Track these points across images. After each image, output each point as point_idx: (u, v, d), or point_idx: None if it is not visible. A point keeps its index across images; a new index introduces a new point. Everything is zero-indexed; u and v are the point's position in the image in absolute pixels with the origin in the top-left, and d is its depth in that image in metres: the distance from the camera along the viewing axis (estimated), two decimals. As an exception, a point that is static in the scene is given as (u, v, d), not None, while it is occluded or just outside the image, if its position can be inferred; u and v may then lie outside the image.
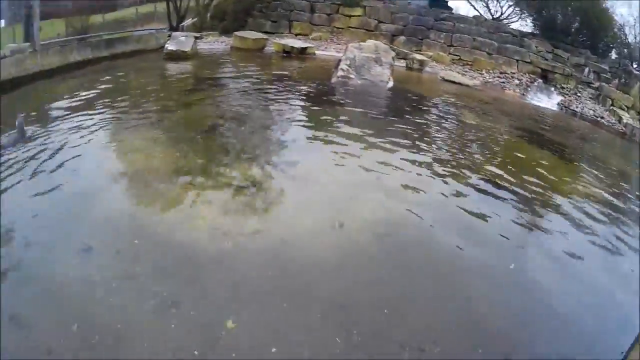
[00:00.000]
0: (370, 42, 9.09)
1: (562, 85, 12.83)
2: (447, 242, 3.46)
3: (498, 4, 15.15)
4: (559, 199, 4.75)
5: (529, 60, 13.05)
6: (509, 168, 5.34)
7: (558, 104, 11.68)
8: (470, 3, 15.42)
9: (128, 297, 2.50)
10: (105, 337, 2.20)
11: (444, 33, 13.23)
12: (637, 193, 5.76)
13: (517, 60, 13.00)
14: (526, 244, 3.75)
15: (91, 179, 3.75)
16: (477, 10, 14.97)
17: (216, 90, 6.98)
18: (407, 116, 6.87)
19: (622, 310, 3.08)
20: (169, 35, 10.24)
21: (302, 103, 6.70)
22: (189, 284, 2.65)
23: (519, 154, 6.05)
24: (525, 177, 5.13)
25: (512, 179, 4.96)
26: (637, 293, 3.23)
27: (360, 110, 6.73)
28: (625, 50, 16.65)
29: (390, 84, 8.30)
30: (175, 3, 12.59)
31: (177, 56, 9.06)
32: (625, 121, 11.43)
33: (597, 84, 13.19)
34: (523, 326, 2.75)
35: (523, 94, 11.54)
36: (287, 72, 8.88)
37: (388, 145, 5.29)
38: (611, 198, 5.15)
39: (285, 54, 10.97)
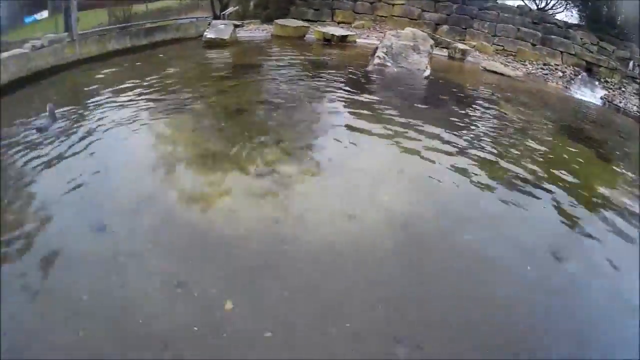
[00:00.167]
0: (408, 30, 9.27)
1: (607, 79, 12.70)
2: (465, 238, 3.63)
3: (543, -6, 14.92)
4: (592, 199, 4.86)
5: (573, 53, 12.93)
6: (544, 163, 5.45)
7: (601, 98, 11.62)
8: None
9: (135, 274, 2.80)
10: (109, 310, 2.54)
11: (488, 23, 13.21)
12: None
13: (562, 52, 12.90)
14: (557, 247, 3.76)
15: (117, 161, 4.14)
16: (522, 0, 14.78)
17: (251, 76, 7.36)
18: (442, 105, 7.08)
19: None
20: (209, 24, 10.61)
21: (335, 90, 6.99)
22: (197, 264, 2.93)
23: (555, 149, 6.18)
24: (559, 173, 5.23)
25: (544, 175, 5.06)
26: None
27: (393, 98, 6.97)
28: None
29: (427, 72, 8.48)
30: (219, -9, 12.95)
31: (215, 44, 9.40)
32: (669, 118, 11.31)
33: (642, 79, 12.99)
34: (540, 330, 2.86)
35: (566, 87, 11.52)
36: (324, 60, 9.21)
37: (419, 135, 5.48)
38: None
39: (325, 42, 11.21)
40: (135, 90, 6.09)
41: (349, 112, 6.03)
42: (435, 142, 5.37)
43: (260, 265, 2.98)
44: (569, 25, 13.72)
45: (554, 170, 5.29)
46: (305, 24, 12.20)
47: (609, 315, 3.11)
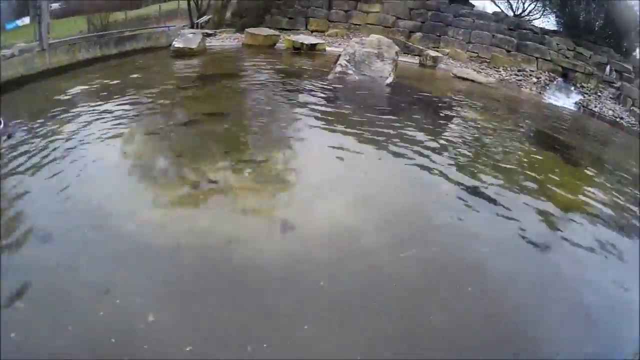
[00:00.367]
0: (374, 37, 9.10)
1: (583, 84, 12.60)
2: (402, 256, 3.37)
3: (520, 1, 14.89)
4: (552, 205, 4.60)
5: (549, 58, 12.84)
6: (506, 170, 5.22)
7: (576, 103, 11.50)
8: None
9: (67, 281, 2.71)
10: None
11: (463, 30, 13.13)
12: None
13: (537, 58, 12.80)
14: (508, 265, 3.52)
15: (68, 167, 4.01)
16: (499, 6, 14.74)
17: (209, 87, 7.15)
18: (400, 113, 6.77)
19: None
20: (179, 33, 10.44)
21: (292, 100, 6.76)
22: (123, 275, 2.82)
23: (521, 155, 5.94)
24: (521, 179, 5.01)
25: (505, 182, 4.82)
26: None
27: (349, 106, 6.72)
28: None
29: (390, 79, 8.28)
30: (196, 0, 12.83)
31: (183, 53, 9.23)
32: (646, 122, 11.18)
33: (618, 84, 12.89)
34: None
35: (540, 93, 11.40)
36: (288, 68, 9.01)
37: (368, 144, 5.23)
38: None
39: (295, 50, 11.08)
40: (97, 99, 5.95)
41: (301, 122, 5.79)
42: (385, 152, 5.11)
43: (186, 278, 2.84)
44: (545, 31, 13.65)
45: (516, 177, 5.06)
46: (276, 32, 12.08)
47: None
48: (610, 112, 11.51)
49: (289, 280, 2.91)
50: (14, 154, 4.17)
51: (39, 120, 5.00)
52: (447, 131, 6.36)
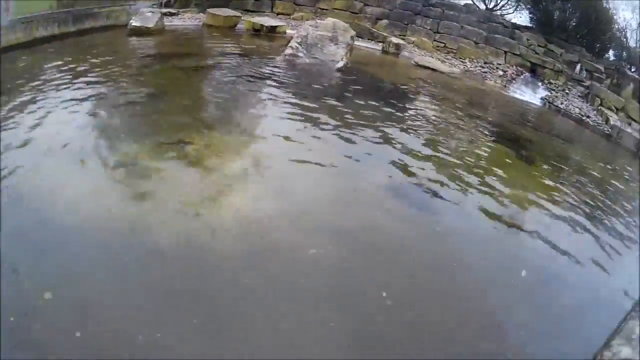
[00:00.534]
0: (329, 20, 8.58)
1: (551, 80, 12.27)
2: (310, 253, 2.90)
3: (494, -5, 14.54)
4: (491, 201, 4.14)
5: (518, 53, 12.47)
6: (448, 165, 4.70)
7: (542, 98, 11.13)
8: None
9: None
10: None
11: (431, 19, 12.64)
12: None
13: (506, 52, 12.42)
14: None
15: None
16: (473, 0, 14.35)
17: (157, 66, 6.50)
18: (342, 98, 6.18)
19: None
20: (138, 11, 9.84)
21: (233, 81, 6.12)
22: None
23: (470, 149, 5.41)
24: (465, 175, 4.49)
25: (442, 176, 4.31)
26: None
27: (287, 89, 6.13)
28: (624, 54, 16.08)
29: (341, 63, 7.74)
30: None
31: (140, 32, 8.67)
32: (612, 122, 10.88)
33: (588, 83, 12.62)
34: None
35: (505, 86, 10.99)
36: (241, 50, 8.39)
37: (302, 132, 4.67)
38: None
39: (255, 32, 10.51)
40: (49, 78, 5.24)
41: (235, 104, 5.20)
42: (315, 139, 4.52)
43: (82, 263, 2.47)
44: (516, 26, 13.31)
45: (456, 170, 4.55)
46: (237, 13, 11.42)
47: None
48: (577, 110, 11.17)
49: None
50: None
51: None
52: (391, 119, 5.75)
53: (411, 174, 4.21)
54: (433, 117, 6.36)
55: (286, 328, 2.23)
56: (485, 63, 11.77)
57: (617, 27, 15.92)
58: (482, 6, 14.28)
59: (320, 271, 2.69)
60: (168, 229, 2.76)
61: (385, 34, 11.63)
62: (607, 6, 15.15)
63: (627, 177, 6.77)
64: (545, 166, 5.70)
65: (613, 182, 6.14)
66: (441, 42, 12.41)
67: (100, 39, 8.24)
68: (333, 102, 5.83)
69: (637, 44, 16.31)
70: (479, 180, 4.44)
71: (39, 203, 2.82)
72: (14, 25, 7.12)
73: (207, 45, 8.63)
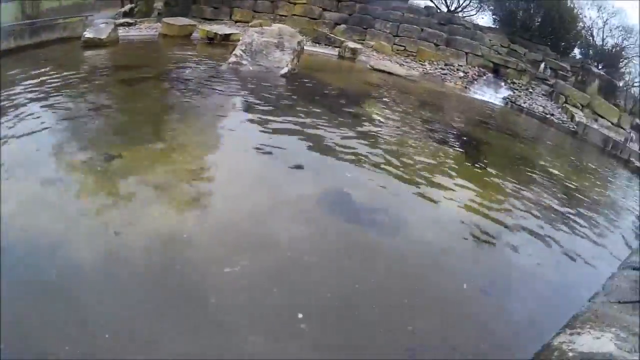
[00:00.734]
0: (275, 26, 8.24)
1: (514, 80, 12.10)
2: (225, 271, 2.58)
3: (456, -4, 14.41)
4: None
5: (480, 54, 12.30)
6: (392, 167, 4.36)
7: (504, 98, 10.93)
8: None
9: None
10: None
11: (391, 23, 12.41)
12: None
13: (467, 53, 12.23)
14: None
15: None
16: (432, 1, 14.21)
17: (100, 80, 6.08)
18: (282, 106, 5.80)
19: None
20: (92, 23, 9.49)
21: (175, 92, 5.78)
22: None
23: (413, 151, 5.03)
24: (400, 179, 4.13)
25: (378, 183, 3.92)
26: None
27: (230, 97, 5.79)
28: (591, 52, 16.09)
29: (286, 70, 7.39)
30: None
31: (93, 44, 8.32)
32: (577, 119, 10.71)
33: (552, 81, 12.48)
34: None
35: (466, 87, 10.77)
36: (190, 60, 8.00)
37: (237, 140, 4.36)
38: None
39: (209, 41, 10.21)
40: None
41: (167, 117, 4.81)
42: (244, 150, 4.08)
43: None
44: (478, 27, 13.19)
45: (396, 175, 4.17)
46: (192, 22, 11.12)
47: None
48: (541, 109, 10.99)
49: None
50: None
51: None
52: (332, 126, 5.35)
53: (343, 185, 3.83)
54: (379, 121, 6.01)
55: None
56: (445, 65, 11.55)
57: (582, 25, 15.99)
58: (444, 8, 14.11)
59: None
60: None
61: (343, 39, 11.35)
62: (572, 5, 15.20)
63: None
64: (496, 168, 5.34)
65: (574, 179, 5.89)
66: (401, 46, 12.17)
67: (54, 52, 7.84)
68: (266, 109, 5.46)
69: (603, 42, 16.39)
70: (419, 187, 4.08)
71: None
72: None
73: (155, 55, 8.27)
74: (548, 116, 10.72)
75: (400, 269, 2.87)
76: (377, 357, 2.12)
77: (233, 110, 5.33)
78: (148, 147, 3.85)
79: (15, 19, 9.90)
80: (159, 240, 2.62)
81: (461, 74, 11.19)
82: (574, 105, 11.58)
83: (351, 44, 10.49)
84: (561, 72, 12.91)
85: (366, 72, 9.38)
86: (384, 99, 7.51)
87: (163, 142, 4.03)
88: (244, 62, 7.50)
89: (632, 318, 2.26)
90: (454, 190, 4.20)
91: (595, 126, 10.84)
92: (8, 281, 2.17)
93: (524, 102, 10.90)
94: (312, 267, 2.67)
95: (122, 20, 10.90)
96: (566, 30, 14.64)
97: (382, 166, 4.34)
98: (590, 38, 16.44)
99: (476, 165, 5.28)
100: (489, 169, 5.21)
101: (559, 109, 11.42)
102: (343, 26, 12.43)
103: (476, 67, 11.87)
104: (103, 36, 8.51)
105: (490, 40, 12.68)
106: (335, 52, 10.66)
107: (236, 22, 12.88)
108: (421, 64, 11.33)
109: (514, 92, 11.33)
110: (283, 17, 12.97)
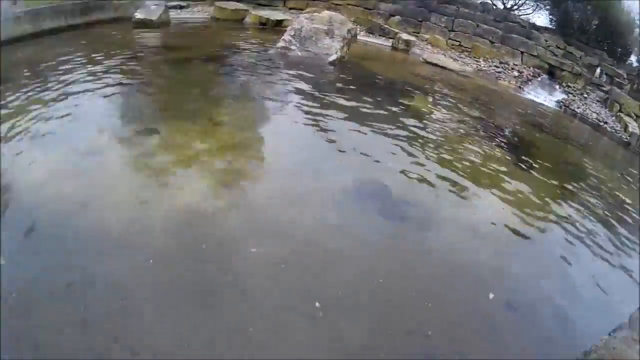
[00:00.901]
0: (325, 13, 8.38)
1: (569, 83, 11.82)
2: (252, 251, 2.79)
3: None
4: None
5: (535, 54, 12.05)
6: (435, 167, 4.40)
7: (558, 101, 10.71)
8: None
9: None
10: None
11: (446, 17, 12.31)
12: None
13: (522, 52, 12.01)
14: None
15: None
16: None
17: (151, 59, 6.41)
18: (328, 94, 5.90)
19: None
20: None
21: (221, 73, 6.04)
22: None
23: (463, 152, 5.03)
24: (440, 181, 4.15)
25: (424, 188, 3.98)
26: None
27: (276, 81, 5.95)
28: (648, 58, 15.45)
29: (334, 57, 7.51)
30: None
31: (144, 24, 8.67)
32: (631, 130, 10.38)
33: (607, 87, 12.11)
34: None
35: (520, 87, 10.60)
36: (241, 43, 8.22)
37: (276, 126, 4.55)
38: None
39: (261, 26, 10.45)
40: (47, 70, 5.29)
41: (212, 97, 5.05)
42: (281, 135, 4.34)
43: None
44: (534, 27, 12.89)
45: (435, 178, 4.20)
46: (244, 6, 11.33)
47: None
48: (594, 115, 10.71)
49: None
50: None
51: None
52: (377, 115, 5.42)
53: (382, 175, 3.94)
54: (427, 114, 6.07)
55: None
56: (500, 63, 11.39)
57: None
58: (500, 5, 13.84)
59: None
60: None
61: (397, 31, 11.35)
62: (627, 9, 14.62)
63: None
64: (548, 174, 5.31)
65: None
66: (456, 41, 12.07)
67: (106, 31, 8.21)
68: (311, 93, 5.61)
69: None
70: (458, 185, 4.13)
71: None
72: (19, 17, 7.14)
73: (205, 38, 8.52)
74: (601, 124, 10.43)
75: (424, 268, 3.01)
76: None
77: (277, 94, 5.55)
78: (190, 124, 4.12)
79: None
80: (189, 215, 2.90)
81: (516, 73, 11.01)
82: (628, 115, 11.22)
83: (405, 36, 10.51)
84: (617, 79, 12.50)
85: (418, 65, 9.41)
86: (434, 93, 7.54)
87: (206, 120, 4.27)
88: (293, 47, 7.69)
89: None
90: (494, 192, 4.27)
91: (649, 138, 10.50)
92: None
93: (578, 107, 10.64)
94: (336, 255, 2.84)
95: (174, 3, 11.18)
96: (621, 35, 14.12)
97: (424, 159, 4.46)
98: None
99: (522, 168, 5.26)
100: (534, 173, 5.20)
101: (613, 117, 11.09)
102: (398, 17, 12.40)
103: (531, 68, 11.65)
104: (154, 17, 8.82)
105: (546, 41, 12.38)
106: (388, 43, 10.70)
107: (290, 9, 13.00)
108: (475, 61, 11.23)
109: (568, 96, 11.08)
110: (338, 6, 13.00)
